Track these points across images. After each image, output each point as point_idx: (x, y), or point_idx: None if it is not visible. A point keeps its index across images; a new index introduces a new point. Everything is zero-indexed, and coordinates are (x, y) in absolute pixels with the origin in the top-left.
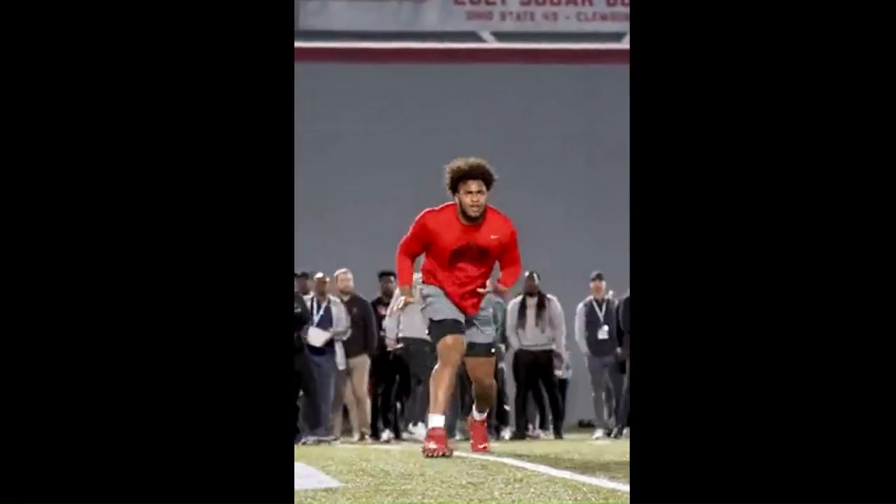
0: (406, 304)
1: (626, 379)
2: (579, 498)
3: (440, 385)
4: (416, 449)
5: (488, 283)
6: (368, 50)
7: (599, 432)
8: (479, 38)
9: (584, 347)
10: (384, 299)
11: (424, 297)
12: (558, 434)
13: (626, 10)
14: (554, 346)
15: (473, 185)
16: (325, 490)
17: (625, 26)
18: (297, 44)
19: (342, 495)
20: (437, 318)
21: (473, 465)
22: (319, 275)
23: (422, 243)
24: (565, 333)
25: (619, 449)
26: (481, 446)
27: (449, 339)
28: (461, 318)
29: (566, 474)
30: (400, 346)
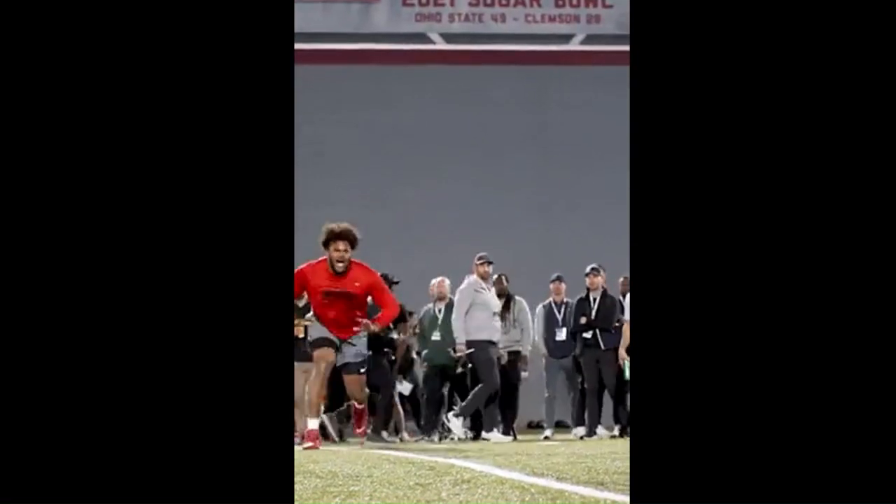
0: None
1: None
2: (527, 499)
3: (314, 391)
4: (366, 451)
5: (363, 323)
6: (317, 51)
7: (548, 432)
8: (428, 40)
9: (542, 349)
10: None
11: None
12: (508, 433)
13: (575, 11)
14: (520, 348)
15: (341, 245)
16: None
17: (573, 28)
18: None
19: None
20: (313, 337)
21: (422, 466)
22: None
23: (300, 287)
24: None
25: (568, 450)
26: (359, 430)
27: (319, 351)
28: (334, 340)
29: (514, 475)
30: (470, 350)
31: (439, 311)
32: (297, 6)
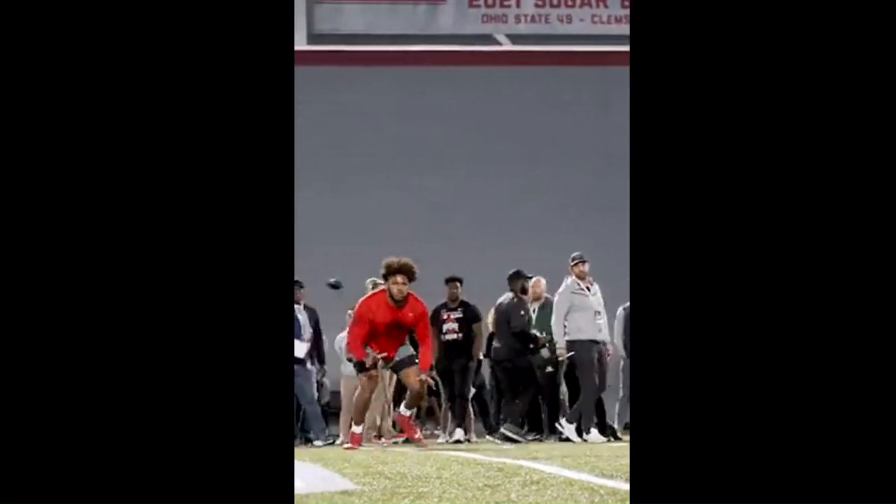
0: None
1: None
2: (596, 500)
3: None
4: (435, 452)
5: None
6: (383, 53)
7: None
8: (494, 41)
9: (621, 350)
10: (449, 304)
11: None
12: (604, 433)
13: None
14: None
15: (399, 279)
16: (342, 493)
17: None
18: (311, 48)
19: (358, 498)
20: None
21: (490, 467)
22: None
23: (368, 324)
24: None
25: None
26: (416, 437)
27: (364, 377)
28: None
29: (584, 476)
30: (571, 353)
31: (534, 311)
32: (363, 8)
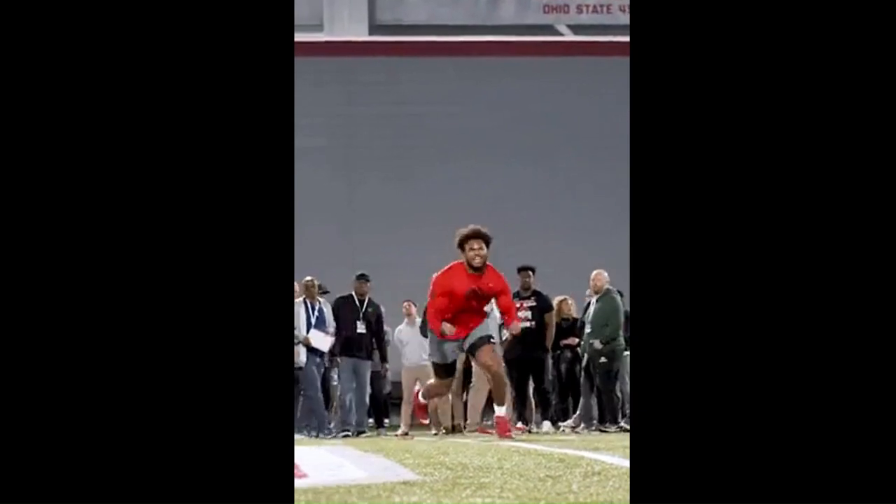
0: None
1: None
2: None
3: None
4: (496, 443)
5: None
6: (446, 43)
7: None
8: (555, 31)
9: None
10: (522, 293)
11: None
12: None
13: None
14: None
15: (475, 244)
16: (404, 483)
17: None
18: (373, 38)
19: (420, 488)
20: (434, 360)
21: (552, 458)
22: (308, 278)
23: (448, 296)
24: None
25: None
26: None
27: (433, 384)
28: (455, 358)
29: None
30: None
31: (594, 303)
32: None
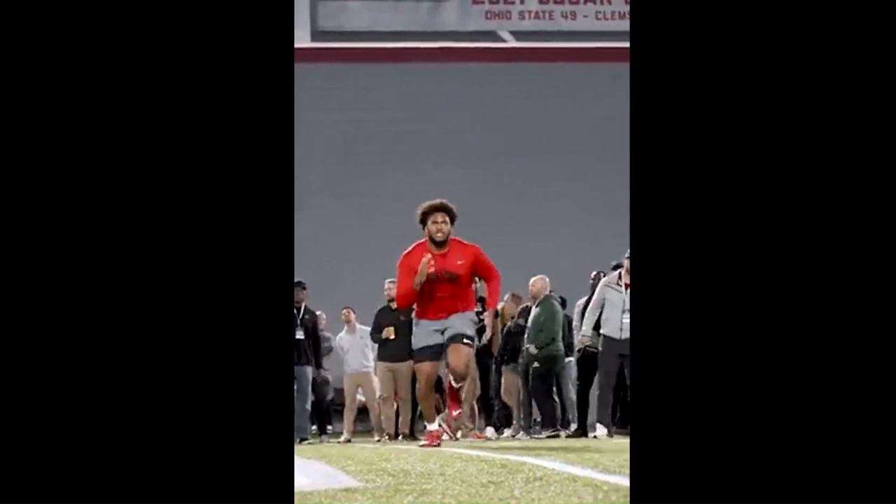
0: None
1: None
2: (600, 496)
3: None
4: (438, 449)
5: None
6: (386, 50)
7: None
8: (497, 38)
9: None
10: None
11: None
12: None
13: None
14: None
15: (439, 217)
16: (346, 490)
17: None
18: (314, 44)
19: (362, 495)
20: (417, 346)
21: (493, 464)
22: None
23: (410, 273)
24: None
25: None
26: (455, 413)
27: (421, 365)
28: (439, 340)
29: (587, 472)
30: (588, 344)
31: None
32: (366, 5)
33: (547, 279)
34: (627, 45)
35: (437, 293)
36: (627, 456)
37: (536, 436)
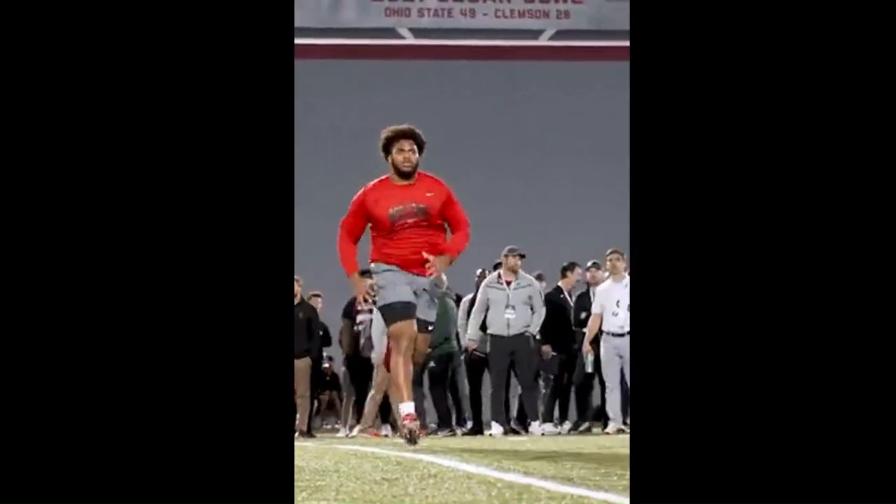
0: (364, 298)
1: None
2: (493, 494)
3: (400, 375)
4: (333, 446)
5: (428, 263)
6: None
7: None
8: (397, 35)
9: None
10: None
11: (375, 287)
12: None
13: (544, 7)
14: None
15: (406, 144)
16: None
17: (542, 23)
18: None
19: None
20: (387, 301)
21: (389, 461)
22: None
23: (364, 218)
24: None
25: (536, 446)
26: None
27: (396, 326)
28: (412, 298)
29: (482, 470)
30: (475, 349)
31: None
32: None
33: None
34: (526, 42)
35: (405, 234)
36: (523, 454)
37: (432, 434)
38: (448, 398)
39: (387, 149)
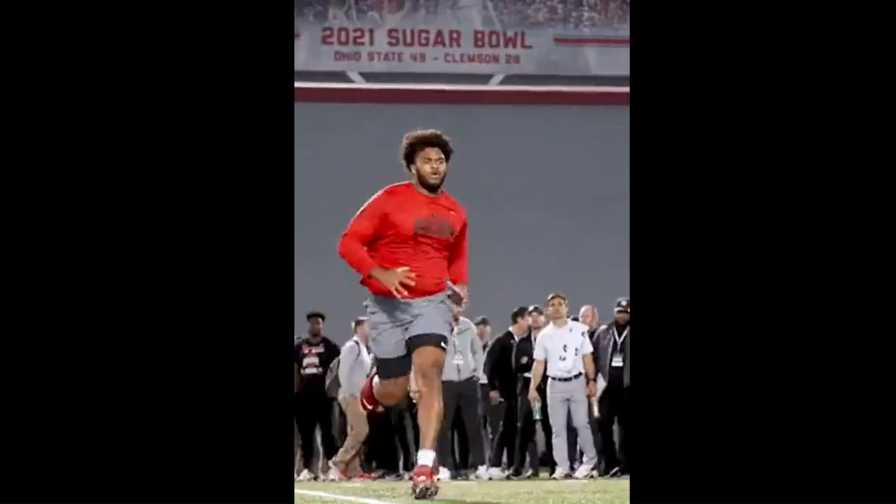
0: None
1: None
2: None
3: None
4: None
5: (454, 297)
6: None
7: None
8: (347, 79)
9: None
10: (311, 339)
11: (367, 328)
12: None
13: (494, 52)
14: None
15: (433, 153)
16: None
17: (492, 68)
18: None
19: None
20: (380, 356)
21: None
22: None
23: (379, 222)
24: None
25: (484, 490)
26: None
27: (387, 384)
28: (404, 351)
29: None
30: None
31: None
32: None
33: None
34: (475, 87)
35: (422, 248)
36: (462, 497)
37: (379, 479)
38: (396, 441)
39: (410, 157)
